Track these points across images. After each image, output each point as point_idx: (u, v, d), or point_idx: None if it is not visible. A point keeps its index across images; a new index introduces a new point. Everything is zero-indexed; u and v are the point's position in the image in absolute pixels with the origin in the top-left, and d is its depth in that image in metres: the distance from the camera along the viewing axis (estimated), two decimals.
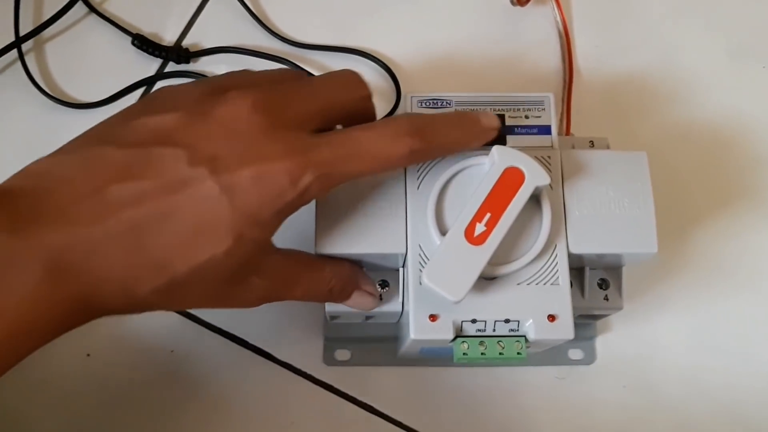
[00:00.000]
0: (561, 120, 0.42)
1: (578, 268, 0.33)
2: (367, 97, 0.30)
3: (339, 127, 0.30)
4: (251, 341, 0.39)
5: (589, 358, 0.40)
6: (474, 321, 0.30)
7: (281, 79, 0.30)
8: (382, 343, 0.38)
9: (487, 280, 0.30)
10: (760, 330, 0.40)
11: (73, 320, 0.25)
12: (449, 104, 0.33)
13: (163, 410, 0.38)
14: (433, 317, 0.30)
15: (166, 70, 0.44)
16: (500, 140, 0.32)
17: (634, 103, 0.44)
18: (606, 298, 0.34)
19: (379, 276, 0.33)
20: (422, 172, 0.31)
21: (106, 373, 0.39)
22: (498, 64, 0.45)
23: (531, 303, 0.30)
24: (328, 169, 0.26)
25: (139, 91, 0.44)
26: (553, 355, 0.39)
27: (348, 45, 0.45)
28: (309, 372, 0.39)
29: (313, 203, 0.30)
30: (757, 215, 0.42)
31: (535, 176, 0.29)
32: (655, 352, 0.40)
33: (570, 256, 0.31)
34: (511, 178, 0.29)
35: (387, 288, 0.33)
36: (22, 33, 0.43)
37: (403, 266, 0.32)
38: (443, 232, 0.30)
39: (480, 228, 0.29)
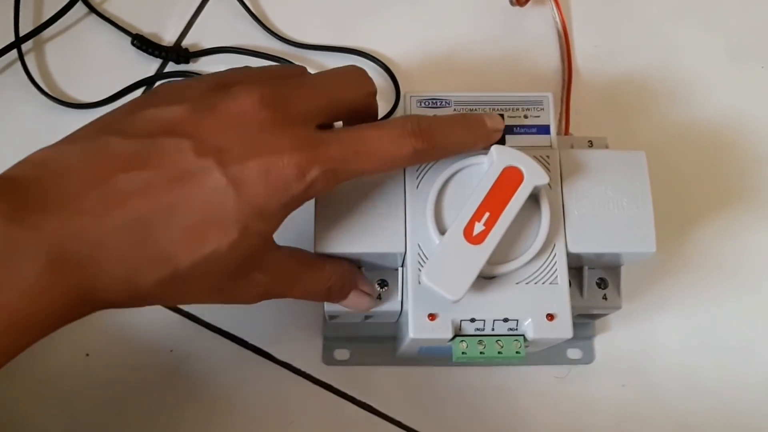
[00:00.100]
0: (560, 120, 0.42)
1: (577, 267, 0.34)
2: (372, 93, 0.30)
3: (340, 123, 0.30)
4: (251, 341, 0.39)
5: (588, 358, 0.40)
6: (473, 320, 0.30)
7: (286, 75, 0.30)
8: (381, 343, 0.38)
9: (485, 279, 0.30)
10: (758, 329, 0.40)
11: (75, 312, 0.25)
12: (448, 104, 0.33)
13: (162, 410, 0.38)
14: (432, 316, 0.30)
15: (166, 70, 0.44)
16: (499, 140, 0.32)
17: (634, 103, 0.44)
18: (605, 298, 0.34)
19: (378, 275, 0.33)
20: (421, 171, 0.31)
21: (106, 373, 0.39)
22: (497, 63, 0.45)
23: (530, 302, 0.30)
24: (334, 165, 0.26)
25: (139, 91, 0.44)
26: (551, 354, 0.39)
27: (347, 45, 0.45)
28: (308, 371, 0.39)
29: (312, 202, 0.30)
30: (756, 215, 0.42)
31: (534, 176, 0.29)
32: (654, 351, 0.40)
33: (569, 255, 0.31)
34: (509, 178, 0.29)
35: (386, 287, 0.33)
36: (22, 33, 0.44)
37: (402, 265, 0.32)
38: (442, 231, 0.30)
39: (479, 227, 0.29)
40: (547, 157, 0.32)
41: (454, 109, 0.33)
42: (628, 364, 0.40)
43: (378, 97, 0.31)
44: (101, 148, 0.26)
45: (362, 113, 0.30)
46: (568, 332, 0.30)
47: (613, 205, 0.31)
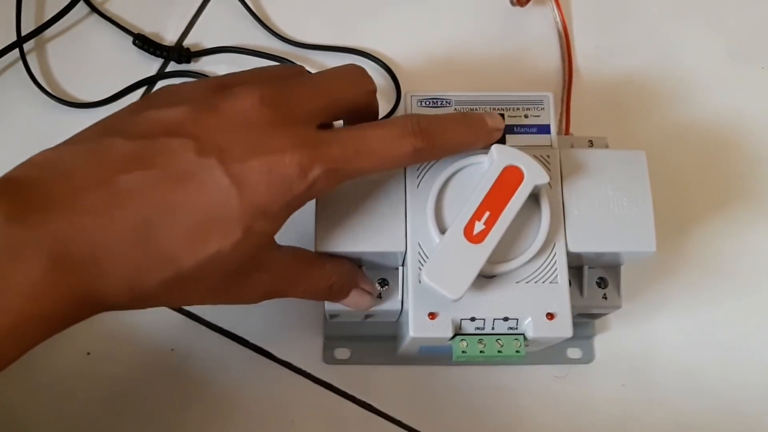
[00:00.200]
0: (560, 119, 0.42)
1: (577, 266, 0.34)
2: (372, 91, 0.30)
3: (341, 122, 0.31)
4: (251, 340, 0.39)
5: (588, 357, 0.40)
6: (473, 319, 0.30)
7: (285, 74, 0.30)
8: (381, 342, 0.38)
9: (486, 278, 0.30)
10: (758, 329, 0.40)
11: (78, 313, 0.25)
12: (449, 103, 0.33)
13: (163, 409, 0.38)
14: (432, 315, 0.30)
15: (167, 69, 0.44)
16: (500, 139, 0.32)
17: (634, 103, 0.44)
18: (605, 297, 0.34)
19: (378, 275, 0.33)
20: (422, 171, 0.31)
21: (107, 372, 0.39)
22: (498, 63, 0.45)
23: (530, 301, 0.30)
24: (336, 164, 0.26)
25: (140, 91, 0.44)
26: (551, 353, 0.39)
27: (348, 45, 0.45)
28: (309, 371, 0.39)
29: (312, 202, 0.30)
30: (755, 215, 0.42)
31: (534, 175, 0.29)
32: (654, 350, 0.40)
33: (569, 254, 0.31)
34: (510, 177, 0.29)
35: (386, 286, 0.33)
36: (23, 33, 0.44)
37: (402, 265, 0.32)
38: (442, 230, 0.30)
39: (479, 226, 0.29)
40: (548, 156, 0.32)
41: (455, 109, 0.33)
42: (628, 364, 0.40)
43: (379, 97, 0.31)
44: (103, 149, 0.25)
45: (362, 112, 0.30)
46: (568, 331, 0.30)
47: (613, 204, 0.32)
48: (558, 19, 0.45)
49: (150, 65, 0.44)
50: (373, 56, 0.44)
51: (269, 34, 0.45)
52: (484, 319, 0.30)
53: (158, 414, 0.38)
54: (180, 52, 0.44)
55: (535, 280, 0.31)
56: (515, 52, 0.45)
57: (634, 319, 0.40)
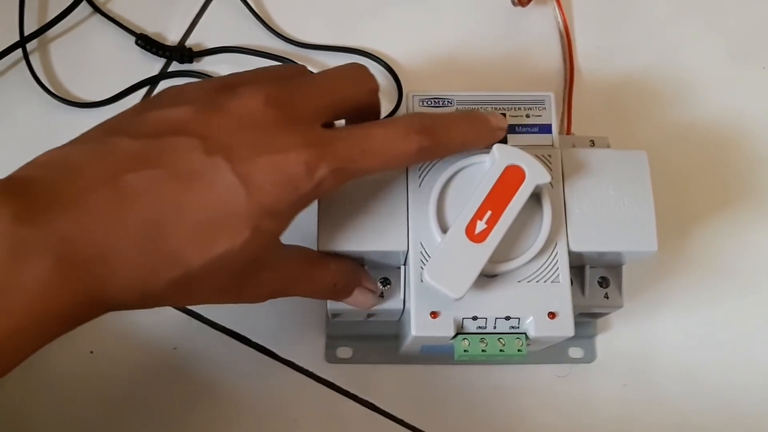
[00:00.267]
0: (562, 119, 0.42)
1: (578, 266, 0.34)
2: (375, 90, 0.30)
3: (342, 122, 0.31)
4: (254, 339, 0.39)
5: (590, 357, 0.40)
6: (475, 318, 0.30)
7: (288, 74, 0.30)
8: (383, 341, 0.39)
9: (487, 277, 0.31)
10: (759, 328, 0.41)
11: (84, 314, 0.25)
12: (450, 103, 0.33)
13: (165, 407, 0.38)
14: (434, 314, 0.30)
15: (170, 69, 0.44)
16: (501, 139, 0.32)
17: (635, 102, 0.44)
18: (606, 297, 0.34)
19: (380, 274, 0.33)
20: (423, 170, 0.31)
21: (109, 371, 0.39)
22: (499, 63, 0.45)
23: (531, 300, 0.30)
24: (342, 163, 0.26)
25: (143, 91, 0.44)
26: (553, 353, 0.39)
27: (350, 45, 0.45)
28: (311, 370, 0.39)
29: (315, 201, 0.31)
30: (756, 215, 0.42)
31: (536, 174, 0.30)
32: (656, 350, 0.40)
33: (570, 254, 0.31)
34: (511, 177, 0.29)
35: (388, 286, 0.33)
36: (26, 32, 0.44)
37: (404, 264, 0.32)
38: (444, 229, 0.30)
39: (481, 226, 0.29)
40: (549, 156, 0.32)
41: (457, 108, 0.33)
42: (630, 363, 0.40)
43: (380, 97, 0.31)
44: (109, 149, 0.25)
45: (365, 111, 0.30)
46: (569, 331, 0.30)
47: (614, 204, 0.32)
48: (559, 19, 0.45)
49: (152, 65, 0.44)
50: (374, 56, 0.44)
51: (271, 34, 0.45)
52: (485, 319, 0.30)
53: (160, 413, 0.38)
54: (182, 52, 0.44)
55: (537, 279, 0.31)
56: (517, 52, 0.45)
57: (635, 318, 0.40)
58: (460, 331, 0.30)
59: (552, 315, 0.30)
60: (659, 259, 0.37)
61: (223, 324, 0.40)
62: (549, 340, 0.32)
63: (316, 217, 0.31)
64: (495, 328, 0.31)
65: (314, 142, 0.26)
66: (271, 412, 0.38)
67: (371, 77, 0.30)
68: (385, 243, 0.31)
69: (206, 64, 0.45)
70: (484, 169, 0.31)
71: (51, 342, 0.24)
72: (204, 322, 0.40)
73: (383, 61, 0.44)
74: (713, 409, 0.39)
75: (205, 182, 0.25)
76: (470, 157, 0.31)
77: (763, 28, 0.46)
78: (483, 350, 0.30)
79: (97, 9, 0.45)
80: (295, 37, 0.45)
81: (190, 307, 0.40)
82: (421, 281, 0.30)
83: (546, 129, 0.33)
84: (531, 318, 0.30)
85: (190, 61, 0.44)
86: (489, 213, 0.29)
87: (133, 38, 0.44)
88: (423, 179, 0.31)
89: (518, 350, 0.30)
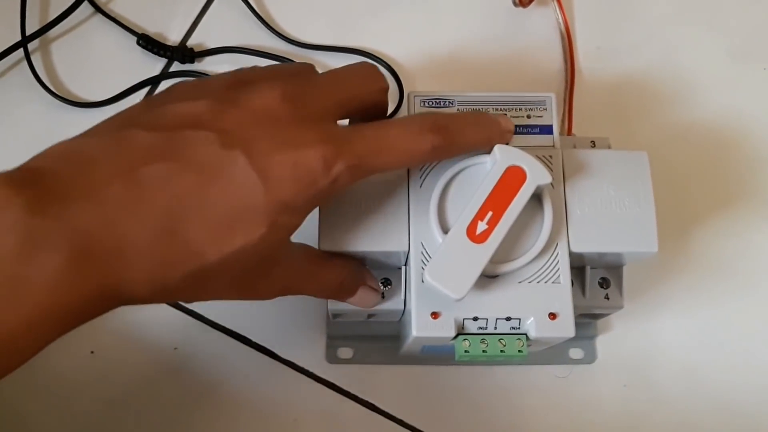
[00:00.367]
0: (562, 120, 0.42)
1: (579, 267, 0.34)
2: (385, 89, 0.30)
3: (345, 122, 0.31)
4: (254, 339, 0.39)
5: (590, 358, 0.40)
6: (475, 319, 0.30)
7: (299, 72, 0.30)
8: (384, 342, 0.39)
9: (488, 278, 0.31)
10: (760, 329, 0.41)
11: (97, 307, 0.24)
12: (452, 103, 0.33)
13: (165, 407, 0.38)
14: (434, 315, 0.30)
15: (171, 69, 0.44)
16: None
17: (636, 103, 0.44)
18: (607, 297, 0.34)
19: (381, 274, 0.33)
20: (425, 170, 0.31)
21: (110, 371, 0.39)
22: (500, 64, 0.45)
23: (532, 301, 0.30)
24: (358, 160, 0.26)
25: (144, 91, 0.44)
26: (553, 354, 0.39)
27: (351, 45, 0.45)
28: (311, 370, 0.39)
29: None
30: (757, 215, 0.42)
31: (537, 175, 0.30)
32: (656, 351, 0.40)
33: (571, 254, 0.31)
34: (512, 177, 0.29)
35: (389, 286, 0.33)
36: (28, 32, 0.44)
37: (405, 264, 0.32)
38: (445, 230, 0.30)
39: (482, 226, 0.29)
40: (550, 156, 0.32)
41: (458, 109, 0.33)
42: (630, 364, 0.40)
43: None
44: (124, 140, 0.25)
45: (374, 109, 0.30)
46: (570, 331, 0.30)
47: (615, 205, 0.32)
48: (560, 19, 0.45)
49: (154, 65, 0.44)
50: (376, 56, 0.44)
51: (272, 35, 0.45)
52: (486, 319, 0.30)
53: (161, 413, 0.38)
54: (184, 52, 0.44)
55: (538, 280, 0.31)
56: (517, 53, 0.45)
57: (636, 319, 0.40)
58: (460, 332, 0.30)
59: (553, 316, 0.30)
60: (660, 260, 0.37)
61: (223, 324, 0.40)
62: (550, 340, 0.32)
63: (316, 217, 0.31)
64: (496, 328, 0.31)
65: (331, 138, 0.26)
66: (272, 412, 0.38)
67: (381, 76, 0.30)
68: (386, 243, 0.31)
69: (207, 65, 0.45)
70: (485, 169, 0.31)
71: (62, 336, 0.24)
72: (204, 322, 0.40)
73: (384, 62, 0.44)
74: (713, 409, 0.39)
75: (223, 176, 0.24)
76: (471, 158, 0.31)
77: (763, 29, 0.46)
78: (484, 351, 0.30)
79: (98, 9, 0.45)
80: (296, 38, 0.45)
81: (190, 307, 0.40)
82: (422, 282, 0.30)
83: (547, 130, 0.33)
84: (532, 319, 0.30)
85: (192, 62, 0.44)
86: (490, 214, 0.29)
87: (135, 38, 0.44)
88: (424, 180, 0.31)
89: (519, 351, 0.30)
